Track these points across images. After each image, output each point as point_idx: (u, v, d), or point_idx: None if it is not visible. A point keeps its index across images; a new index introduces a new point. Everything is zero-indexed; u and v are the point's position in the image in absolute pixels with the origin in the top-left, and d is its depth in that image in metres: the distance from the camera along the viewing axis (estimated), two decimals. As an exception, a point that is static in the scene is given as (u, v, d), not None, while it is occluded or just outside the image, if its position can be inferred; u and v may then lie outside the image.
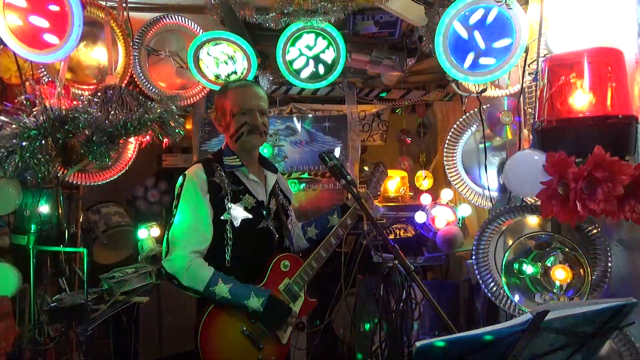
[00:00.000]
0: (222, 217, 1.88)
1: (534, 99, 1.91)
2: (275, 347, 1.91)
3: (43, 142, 1.93)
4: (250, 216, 1.93)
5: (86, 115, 2.00)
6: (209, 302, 1.83)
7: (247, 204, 1.94)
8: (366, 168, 2.24)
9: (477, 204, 2.40)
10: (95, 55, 2.45)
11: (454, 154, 2.39)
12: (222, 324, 1.84)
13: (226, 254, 1.88)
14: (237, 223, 1.90)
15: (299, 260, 2.00)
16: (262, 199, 2.01)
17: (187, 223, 1.85)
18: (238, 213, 1.91)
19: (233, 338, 1.83)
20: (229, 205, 1.89)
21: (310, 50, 2.39)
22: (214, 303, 1.82)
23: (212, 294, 1.78)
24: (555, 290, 1.68)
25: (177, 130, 2.21)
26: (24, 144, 1.88)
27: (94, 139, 2.03)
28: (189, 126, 3.78)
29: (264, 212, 1.99)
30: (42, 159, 1.93)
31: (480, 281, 1.90)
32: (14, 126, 1.90)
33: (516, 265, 1.77)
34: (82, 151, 2.12)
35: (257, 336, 1.85)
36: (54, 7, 1.94)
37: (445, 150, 2.40)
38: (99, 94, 2.12)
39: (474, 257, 1.93)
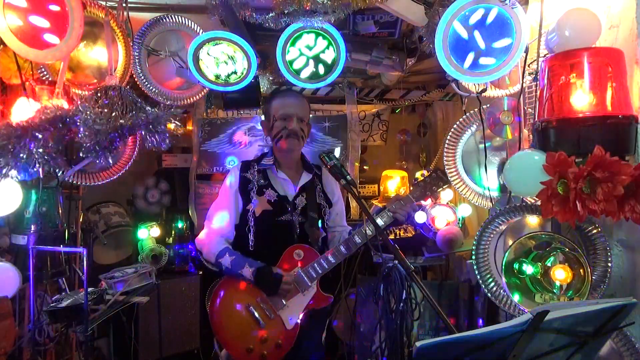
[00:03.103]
0: (247, 207, 2.17)
1: (534, 99, 1.91)
2: (281, 330, 2.04)
3: (44, 142, 1.93)
4: (270, 208, 2.15)
5: (86, 116, 2.00)
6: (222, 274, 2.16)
7: (269, 196, 2.16)
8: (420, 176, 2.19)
9: (477, 204, 2.39)
10: (95, 55, 2.45)
11: (454, 154, 2.39)
12: (230, 294, 2.10)
13: (249, 239, 2.13)
14: (258, 213, 2.14)
15: (314, 253, 2.11)
16: (286, 194, 2.19)
17: (215, 211, 2.22)
18: (259, 204, 2.15)
19: (238, 311, 2.07)
20: (253, 197, 2.16)
21: (310, 50, 2.38)
22: (225, 275, 2.14)
23: (220, 265, 2.10)
24: (555, 290, 1.68)
25: (164, 137, 2.16)
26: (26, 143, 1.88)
27: (95, 141, 2.02)
28: (189, 127, 3.79)
29: (288, 207, 2.17)
30: (44, 159, 1.93)
31: (480, 281, 1.90)
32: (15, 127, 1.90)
33: (516, 265, 1.77)
34: (82, 151, 2.12)
35: (261, 315, 2.04)
36: (54, 7, 1.94)
37: (445, 150, 2.39)
38: (99, 94, 2.12)
39: (474, 257, 1.93)
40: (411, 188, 2.15)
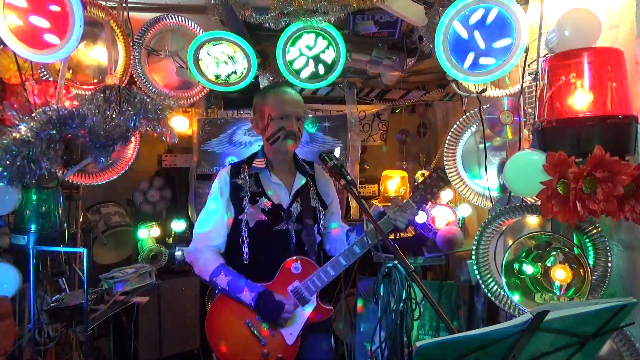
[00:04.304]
0: (239, 217, 2.02)
1: (534, 99, 1.91)
2: (281, 345, 1.95)
3: (43, 142, 1.93)
4: (264, 218, 2.02)
5: (84, 116, 2.00)
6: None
7: (263, 206, 2.02)
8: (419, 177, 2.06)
9: (477, 204, 2.39)
10: (95, 55, 2.45)
11: (454, 154, 2.39)
12: (228, 311, 1.98)
13: (243, 252, 2.00)
14: (251, 223, 2.01)
15: (312, 265, 2.01)
16: (280, 202, 2.06)
17: (205, 220, 2.06)
18: (253, 214, 2.01)
19: (237, 328, 1.96)
20: (246, 206, 2.01)
21: (310, 50, 2.38)
22: (220, 293, 2.00)
23: (215, 284, 1.96)
24: (555, 290, 1.68)
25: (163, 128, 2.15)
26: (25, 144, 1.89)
27: (93, 141, 2.03)
28: (193, 127, 3.79)
29: (283, 215, 2.04)
30: (43, 160, 1.93)
31: (480, 281, 1.90)
32: (16, 129, 1.90)
33: (516, 265, 1.76)
34: (82, 151, 2.13)
35: (261, 332, 1.95)
36: (54, 7, 1.94)
37: (445, 150, 2.39)
38: (97, 94, 2.12)
39: (474, 257, 1.92)
40: (410, 193, 2.05)
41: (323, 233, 2.23)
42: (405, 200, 1.97)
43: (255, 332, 1.95)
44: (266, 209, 2.03)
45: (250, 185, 2.04)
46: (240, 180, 2.05)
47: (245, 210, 2.01)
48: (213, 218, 2.04)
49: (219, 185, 2.07)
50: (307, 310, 1.99)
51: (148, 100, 2.12)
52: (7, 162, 1.87)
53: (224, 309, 2.00)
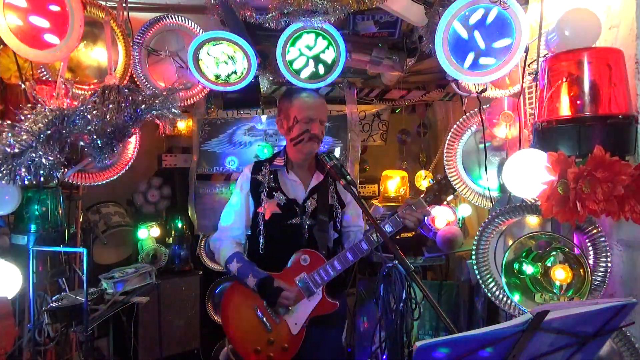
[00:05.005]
0: (258, 209, 2.17)
1: (534, 99, 1.91)
2: (286, 335, 2.04)
3: (43, 142, 1.93)
4: (279, 211, 2.14)
5: (86, 116, 2.00)
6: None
7: (278, 200, 2.16)
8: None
9: (477, 204, 2.39)
10: (95, 55, 2.45)
11: (454, 154, 2.39)
12: (240, 296, 2.12)
13: (259, 242, 2.14)
14: (267, 216, 2.14)
15: (320, 258, 2.08)
16: (295, 197, 2.18)
17: (227, 213, 2.25)
18: (269, 207, 2.15)
19: (247, 313, 2.09)
20: (263, 200, 2.16)
21: (310, 50, 2.38)
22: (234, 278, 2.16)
23: (229, 270, 2.13)
24: (555, 290, 1.68)
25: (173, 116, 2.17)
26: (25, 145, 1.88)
27: (94, 140, 2.03)
28: (189, 126, 3.79)
29: (297, 210, 2.15)
30: (44, 160, 1.93)
31: (480, 281, 1.90)
32: (15, 129, 1.90)
33: (516, 265, 1.77)
34: (83, 150, 2.13)
35: (268, 319, 2.05)
36: (54, 7, 1.94)
37: (445, 150, 2.40)
38: (96, 94, 2.12)
39: (474, 257, 1.93)
40: (410, 194, 2.08)
41: (341, 232, 2.27)
42: (417, 200, 1.98)
43: (262, 318, 2.05)
44: (281, 203, 2.15)
45: (268, 180, 2.19)
46: (260, 176, 2.20)
47: (263, 204, 2.15)
48: (233, 211, 2.22)
49: (241, 181, 2.24)
50: (312, 303, 2.05)
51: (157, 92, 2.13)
52: (7, 162, 1.87)
53: (237, 294, 2.13)
